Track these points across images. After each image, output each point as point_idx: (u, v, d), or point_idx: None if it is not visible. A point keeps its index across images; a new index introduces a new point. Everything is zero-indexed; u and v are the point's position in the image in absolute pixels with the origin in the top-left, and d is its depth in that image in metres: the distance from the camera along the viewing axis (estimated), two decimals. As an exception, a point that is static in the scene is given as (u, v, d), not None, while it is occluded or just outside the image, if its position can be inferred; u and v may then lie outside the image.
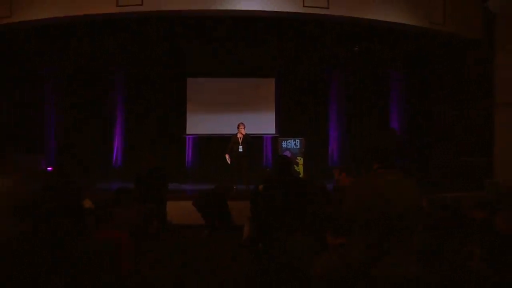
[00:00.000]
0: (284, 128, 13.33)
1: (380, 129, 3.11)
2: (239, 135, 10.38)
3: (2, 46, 10.34)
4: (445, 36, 9.92)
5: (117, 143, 13.40)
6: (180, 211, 8.37)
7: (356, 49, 12.63)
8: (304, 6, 8.79)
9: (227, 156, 10.44)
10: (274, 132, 13.39)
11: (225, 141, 10.98)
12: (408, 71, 13.18)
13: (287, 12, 8.94)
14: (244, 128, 10.46)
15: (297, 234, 4.80)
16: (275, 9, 8.85)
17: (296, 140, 11.44)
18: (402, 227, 2.79)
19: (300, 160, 11.30)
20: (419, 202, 2.90)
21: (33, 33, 10.23)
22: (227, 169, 10.81)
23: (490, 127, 10.12)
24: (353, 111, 13.48)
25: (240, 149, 10.30)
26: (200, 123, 13.35)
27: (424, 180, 10.04)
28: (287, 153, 11.07)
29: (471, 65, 10.20)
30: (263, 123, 13.38)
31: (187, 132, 13.43)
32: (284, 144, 11.45)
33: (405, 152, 3.00)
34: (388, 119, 13.33)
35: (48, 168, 12.18)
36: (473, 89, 10.22)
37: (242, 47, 12.89)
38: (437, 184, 9.95)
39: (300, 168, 11.23)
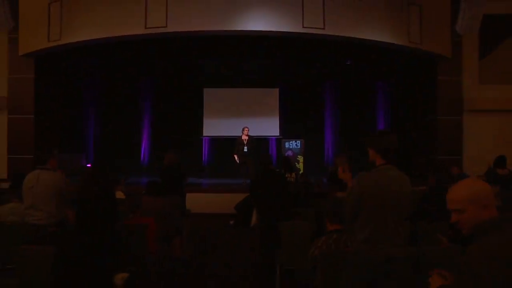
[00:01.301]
0: (286, 131, 13.32)
1: (384, 132, 3.11)
2: (243, 137, 10.35)
3: (51, 62, 10.46)
4: (422, 53, 9.94)
5: (144, 143, 13.46)
6: (198, 202, 8.39)
7: (348, 63, 12.62)
8: (303, 27, 8.80)
9: (235, 157, 10.41)
10: (278, 134, 13.37)
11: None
12: (392, 82, 13.15)
13: (289, 32, 8.95)
14: (248, 131, 10.42)
15: (297, 220, 4.80)
16: (278, 29, 8.87)
17: (297, 141, 11.44)
18: (397, 214, 2.80)
19: (300, 158, 11.28)
20: (410, 191, 2.91)
21: (79, 51, 10.37)
22: (236, 166, 10.80)
23: (460, 130, 10.21)
24: (345, 116, 13.46)
25: (245, 149, 10.26)
26: (215, 127, 13.36)
27: (407, 175, 10.00)
28: (289, 153, 11.06)
29: (443, 78, 10.26)
30: (268, 126, 13.37)
31: (204, 134, 13.45)
32: (286, 145, 11.44)
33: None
34: (375, 123, 13.31)
35: (87, 165, 12.26)
36: (445, 98, 10.27)
37: (250, 61, 12.92)
38: (419, 178, 9.92)
39: (300, 166, 11.21)
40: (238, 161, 10.38)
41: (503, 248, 1.66)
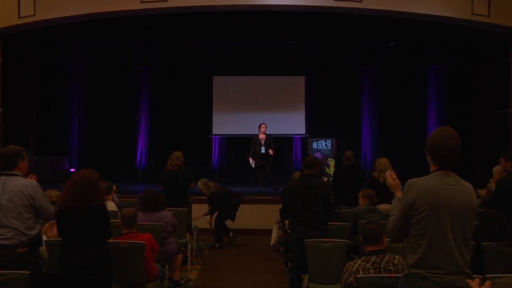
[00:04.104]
0: (314, 128, 13.28)
1: (441, 130, 3.04)
2: (261, 136, 10.35)
3: (24, 44, 10.60)
4: (489, 28, 9.59)
5: (140, 144, 13.56)
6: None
7: (391, 44, 12.52)
8: (335, 0, 8.75)
9: (250, 160, 10.40)
10: (304, 132, 13.34)
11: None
12: (448, 66, 12.99)
13: (318, 7, 8.92)
14: (266, 128, 10.42)
15: (328, 240, 4.80)
16: (306, 3, 8.84)
17: (327, 141, 11.36)
18: (459, 232, 2.75)
19: (331, 162, 11.21)
20: (476, 204, 2.85)
21: (58, 31, 10.45)
22: (253, 171, 10.80)
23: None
24: (387, 110, 13.35)
25: (263, 150, 10.24)
26: (227, 123, 13.40)
27: (469, 182, 9.95)
28: (318, 155, 11.02)
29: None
30: (292, 123, 13.36)
31: (213, 133, 13.50)
32: (314, 145, 11.37)
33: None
34: (425, 118, 13.17)
35: (71, 169, 12.45)
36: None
37: (270, 43, 12.91)
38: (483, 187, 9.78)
39: (331, 171, 11.14)
40: (254, 165, 10.39)
41: None
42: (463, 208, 2.78)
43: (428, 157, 2.92)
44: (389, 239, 3.46)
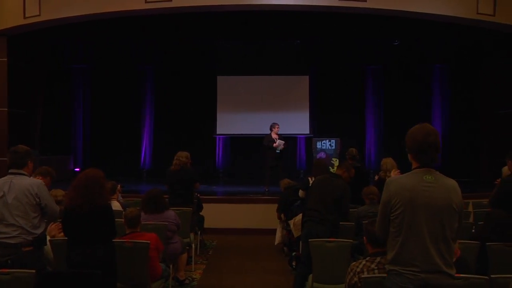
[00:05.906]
0: (318, 128, 13.27)
1: (419, 127, 3.02)
2: (274, 136, 10.33)
3: (29, 43, 10.62)
4: (494, 28, 9.54)
5: (145, 144, 13.58)
6: (210, 214, 8.43)
7: (396, 43, 12.49)
8: (340, 0, 8.73)
9: (277, 142, 10.10)
10: (308, 132, 13.34)
11: (257, 141, 10.97)
12: (452, 66, 12.95)
13: (322, 6, 8.90)
14: (279, 128, 10.40)
15: (332, 240, 4.78)
16: (311, 3, 8.82)
17: (331, 141, 11.34)
18: (438, 230, 2.74)
19: (335, 161, 11.20)
20: (458, 203, 2.81)
21: (63, 31, 10.48)
22: (257, 171, 10.77)
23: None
24: (391, 109, 13.33)
25: (278, 150, 10.24)
26: (231, 123, 13.40)
27: (474, 182, 10.14)
28: (322, 155, 11.01)
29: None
30: (296, 122, 13.34)
31: (217, 132, 13.50)
32: (318, 145, 11.36)
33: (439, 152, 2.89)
34: (430, 117, 13.13)
35: (76, 169, 12.48)
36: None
37: (274, 43, 12.89)
38: (488, 187, 9.77)
39: (335, 170, 11.13)
40: (278, 144, 10.20)
41: None
42: (441, 206, 2.76)
43: (409, 156, 2.92)
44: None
